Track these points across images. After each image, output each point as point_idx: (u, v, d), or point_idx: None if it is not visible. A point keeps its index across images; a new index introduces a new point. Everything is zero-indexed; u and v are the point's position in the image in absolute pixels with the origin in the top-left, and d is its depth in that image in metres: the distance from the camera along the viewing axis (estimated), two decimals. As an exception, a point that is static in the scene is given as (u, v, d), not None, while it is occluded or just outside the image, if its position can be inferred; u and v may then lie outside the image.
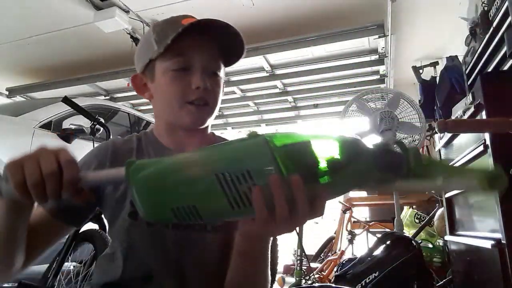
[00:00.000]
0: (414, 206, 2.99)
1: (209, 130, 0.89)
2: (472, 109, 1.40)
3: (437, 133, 2.15)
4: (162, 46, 0.74)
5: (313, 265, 3.14)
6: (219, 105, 0.83)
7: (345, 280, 1.67)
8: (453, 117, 1.78)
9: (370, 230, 3.14)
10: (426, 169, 0.49)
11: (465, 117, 1.49)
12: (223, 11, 3.00)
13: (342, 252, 3.04)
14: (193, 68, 0.77)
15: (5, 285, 1.77)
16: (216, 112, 0.83)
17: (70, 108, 2.41)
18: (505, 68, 1.41)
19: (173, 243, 0.75)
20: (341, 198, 3.49)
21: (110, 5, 2.83)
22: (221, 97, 0.83)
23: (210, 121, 0.84)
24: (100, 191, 0.78)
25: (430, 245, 2.32)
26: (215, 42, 0.79)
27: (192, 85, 0.76)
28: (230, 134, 5.38)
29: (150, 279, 0.74)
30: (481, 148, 1.34)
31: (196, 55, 0.77)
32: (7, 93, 4.48)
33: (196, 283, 0.75)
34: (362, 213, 3.77)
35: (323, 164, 0.48)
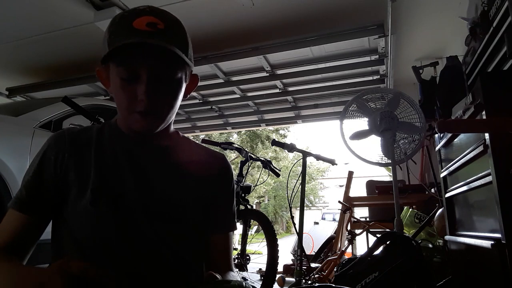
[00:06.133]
0: (414, 206, 2.99)
1: (172, 129, 0.90)
2: (472, 109, 1.40)
3: (437, 133, 2.15)
4: (103, 56, 0.72)
5: (313, 265, 3.14)
6: (173, 111, 0.81)
7: (345, 280, 1.66)
8: (453, 117, 1.78)
9: (370, 230, 3.14)
10: None
11: (465, 117, 1.49)
12: (223, 11, 2.99)
13: (342, 252, 3.04)
14: (140, 78, 0.74)
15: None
16: (170, 118, 0.82)
17: (70, 108, 2.42)
18: (505, 68, 1.41)
19: (137, 232, 0.77)
20: (341, 198, 3.49)
21: (110, 5, 2.83)
22: (177, 102, 0.80)
23: (164, 126, 0.82)
24: (63, 181, 0.78)
25: (430, 245, 2.31)
26: (165, 51, 0.73)
27: (137, 97, 0.74)
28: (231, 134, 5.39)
29: (117, 267, 0.74)
30: (481, 148, 1.34)
31: (142, 65, 0.73)
32: (7, 93, 4.48)
33: (156, 270, 0.77)
34: (362, 213, 3.77)
35: None
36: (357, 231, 3.21)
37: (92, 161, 0.79)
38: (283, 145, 2.63)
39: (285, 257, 3.88)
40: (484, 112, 1.30)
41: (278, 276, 2.78)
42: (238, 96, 4.54)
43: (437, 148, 2.09)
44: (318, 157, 2.65)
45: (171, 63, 0.75)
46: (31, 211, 0.76)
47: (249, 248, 2.84)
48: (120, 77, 0.74)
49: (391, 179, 2.26)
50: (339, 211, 3.46)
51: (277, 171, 2.89)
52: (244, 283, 0.59)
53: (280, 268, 3.04)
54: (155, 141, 0.86)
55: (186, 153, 0.90)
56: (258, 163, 2.94)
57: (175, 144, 0.89)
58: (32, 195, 0.76)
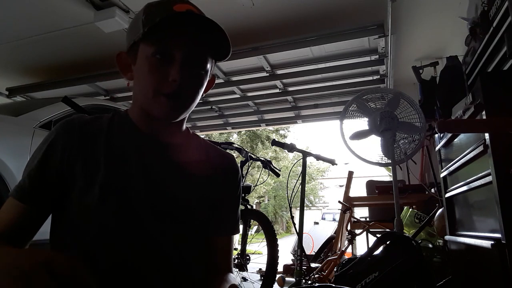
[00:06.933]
0: (414, 206, 2.99)
1: (184, 126, 0.89)
2: (472, 109, 1.40)
3: (437, 133, 2.15)
4: (145, 29, 0.72)
5: (313, 265, 3.14)
6: (196, 101, 0.81)
7: (345, 280, 1.67)
8: (453, 117, 1.78)
9: (370, 230, 3.14)
10: None
11: (465, 117, 1.49)
12: (223, 11, 3.00)
13: (342, 252, 3.04)
14: (174, 59, 0.74)
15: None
16: (192, 108, 0.81)
17: (70, 108, 2.42)
18: (505, 68, 1.41)
19: (142, 231, 0.76)
20: (341, 198, 3.49)
21: (110, 5, 2.83)
22: (201, 92, 0.81)
23: (185, 115, 0.83)
24: (68, 173, 0.75)
25: (430, 245, 2.31)
26: (202, 36, 0.76)
27: (169, 77, 0.73)
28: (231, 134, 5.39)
29: (122, 265, 0.74)
30: (481, 148, 1.34)
31: (179, 45, 0.74)
32: (7, 93, 4.49)
33: (161, 269, 0.76)
34: (362, 213, 3.77)
35: None
36: (357, 231, 3.20)
37: (100, 155, 0.77)
38: (283, 145, 2.63)
39: (285, 257, 3.88)
40: (484, 112, 1.30)
41: (278, 276, 2.78)
42: (238, 96, 4.54)
43: (437, 148, 2.09)
44: (318, 157, 2.65)
45: (205, 51, 0.78)
46: (32, 201, 0.73)
47: (249, 248, 2.84)
48: (152, 56, 0.74)
49: (391, 179, 2.26)
50: (339, 211, 3.46)
51: (277, 171, 2.89)
52: None
53: (280, 268, 3.04)
54: (166, 138, 0.84)
55: (196, 152, 0.89)
56: (258, 163, 2.94)
57: (185, 141, 0.88)
58: (35, 186, 0.74)
